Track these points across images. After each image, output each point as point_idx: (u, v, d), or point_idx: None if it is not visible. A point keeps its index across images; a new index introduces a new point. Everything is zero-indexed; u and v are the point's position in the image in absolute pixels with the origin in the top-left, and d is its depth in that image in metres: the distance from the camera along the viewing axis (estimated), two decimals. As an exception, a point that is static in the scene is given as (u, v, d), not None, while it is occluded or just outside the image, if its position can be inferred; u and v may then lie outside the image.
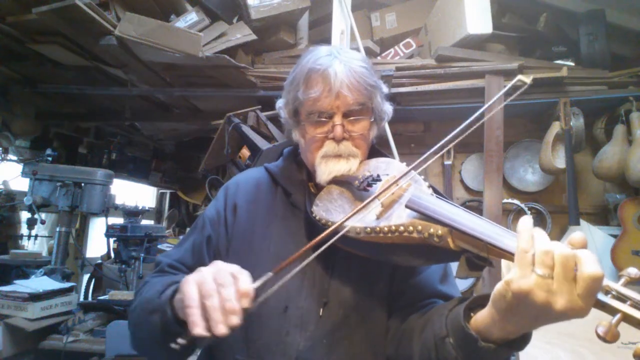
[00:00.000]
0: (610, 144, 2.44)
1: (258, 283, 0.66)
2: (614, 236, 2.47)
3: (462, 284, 2.66)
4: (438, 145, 0.76)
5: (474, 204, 2.91)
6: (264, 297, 0.65)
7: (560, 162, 2.46)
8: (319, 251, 0.69)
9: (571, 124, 2.39)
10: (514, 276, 0.53)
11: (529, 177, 2.86)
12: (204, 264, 0.80)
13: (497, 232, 0.59)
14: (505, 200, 2.71)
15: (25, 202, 2.30)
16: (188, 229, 1.06)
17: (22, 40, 2.17)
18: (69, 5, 1.77)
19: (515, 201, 2.78)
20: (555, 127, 2.46)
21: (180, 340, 0.64)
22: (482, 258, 0.62)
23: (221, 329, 0.60)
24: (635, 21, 2.55)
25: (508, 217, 2.84)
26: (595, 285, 0.49)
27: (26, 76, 2.63)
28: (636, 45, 2.58)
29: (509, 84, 0.74)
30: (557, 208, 2.80)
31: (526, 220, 0.55)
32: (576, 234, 0.53)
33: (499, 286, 0.56)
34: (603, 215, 2.75)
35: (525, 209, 2.76)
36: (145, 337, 0.85)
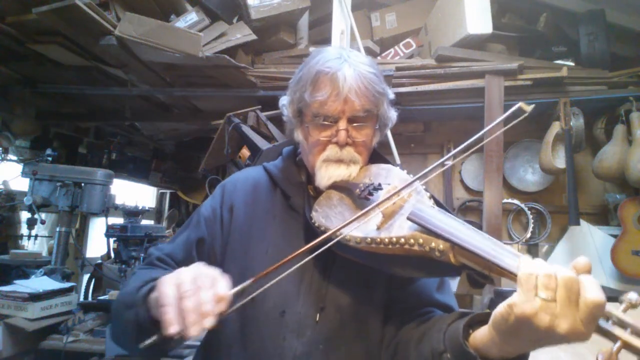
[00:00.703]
0: (610, 144, 2.44)
1: (236, 289, 0.66)
2: (614, 236, 2.48)
3: (462, 284, 2.65)
4: (437, 163, 0.77)
5: (474, 204, 2.91)
6: (241, 304, 0.65)
7: (560, 162, 2.46)
8: (305, 260, 0.69)
9: (571, 124, 2.39)
10: (517, 300, 0.53)
11: (529, 177, 2.86)
12: (194, 262, 0.81)
13: (499, 251, 0.59)
14: (505, 200, 2.71)
15: (25, 202, 2.30)
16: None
17: (22, 40, 2.17)
18: (69, 5, 1.77)
19: (515, 201, 2.78)
20: (555, 127, 2.46)
21: (148, 341, 0.64)
22: (483, 275, 0.62)
23: (195, 331, 0.60)
24: (635, 21, 2.55)
25: (508, 217, 2.85)
26: (597, 312, 0.49)
27: (26, 76, 2.63)
28: (636, 45, 2.58)
29: (509, 111, 0.71)
30: (557, 208, 2.80)
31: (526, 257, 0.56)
32: (580, 258, 0.53)
33: (500, 309, 0.56)
34: (603, 215, 2.75)
35: (525, 209, 2.76)
36: (120, 331, 0.84)
